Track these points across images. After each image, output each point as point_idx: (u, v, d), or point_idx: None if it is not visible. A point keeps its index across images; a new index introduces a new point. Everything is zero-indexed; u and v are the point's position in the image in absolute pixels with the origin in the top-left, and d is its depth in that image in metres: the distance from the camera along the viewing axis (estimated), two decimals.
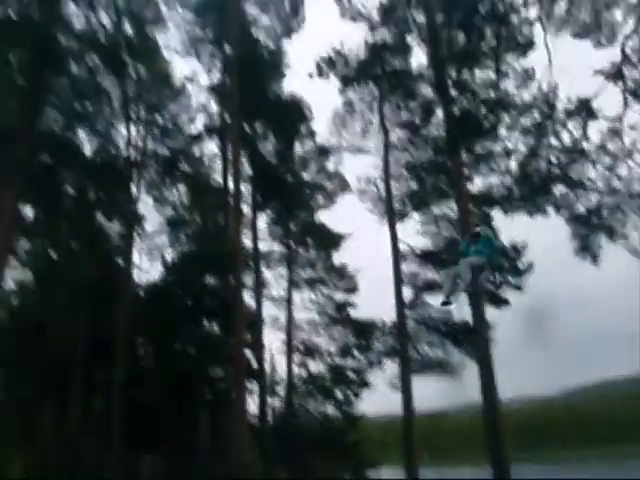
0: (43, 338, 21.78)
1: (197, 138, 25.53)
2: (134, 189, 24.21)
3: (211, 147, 25.93)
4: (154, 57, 24.37)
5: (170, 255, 24.76)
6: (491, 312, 20.04)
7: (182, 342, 23.53)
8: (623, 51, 11.71)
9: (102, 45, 22.27)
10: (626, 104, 11.33)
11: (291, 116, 24.78)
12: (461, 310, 21.46)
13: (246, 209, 24.98)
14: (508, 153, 13.81)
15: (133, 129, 24.31)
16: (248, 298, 23.73)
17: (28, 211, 24.06)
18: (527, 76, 13.77)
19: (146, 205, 24.95)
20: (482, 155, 16.91)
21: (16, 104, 19.10)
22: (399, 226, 22.35)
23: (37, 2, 18.67)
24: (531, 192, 11.50)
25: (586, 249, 11.36)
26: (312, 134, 25.42)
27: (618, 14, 13.44)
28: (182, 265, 23.42)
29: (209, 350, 23.03)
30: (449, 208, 21.99)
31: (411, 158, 22.81)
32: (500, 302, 20.65)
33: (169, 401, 21.76)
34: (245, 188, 24.67)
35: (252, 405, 22.53)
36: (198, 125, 25.66)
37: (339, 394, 24.75)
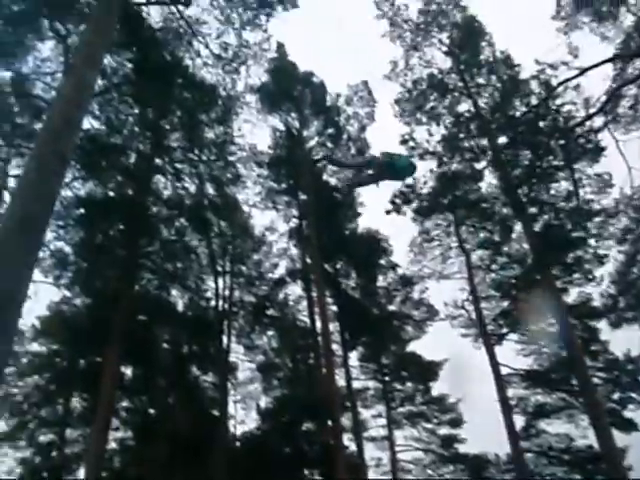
0: None
1: (280, 282, 26.34)
2: (225, 339, 24.80)
3: (296, 290, 26.60)
4: (235, 213, 26.17)
5: (264, 402, 24.56)
6: (621, 436, 18.05)
7: None
8: None
9: (188, 208, 24.34)
10: None
11: (370, 251, 25.29)
12: (585, 435, 19.50)
13: (336, 347, 24.80)
14: (600, 260, 13.20)
15: (220, 281, 25.51)
16: (348, 441, 22.72)
17: (127, 370, 25.03)
18: (604, 181, 13.55)
19: (237, 354, 25.37)
20: (573, 264, 16.27)
21: (116, 273, 20.73)
22: (498, 348, 21.23)
23: (131, 180, 20.91)
24: (637, 301, 10.70)
25: None
26: (393, 265, 25.63)
27: None
28: (277, 411, 23.03)
29: None
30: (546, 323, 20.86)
31: (497, 276, 22.27)
32: (626, 424, 18.59)
33: None
34: (333, 327, 24.69)
35: None
36: (281, 270, 26.65)
37: None
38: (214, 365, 25.18)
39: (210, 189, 26.06)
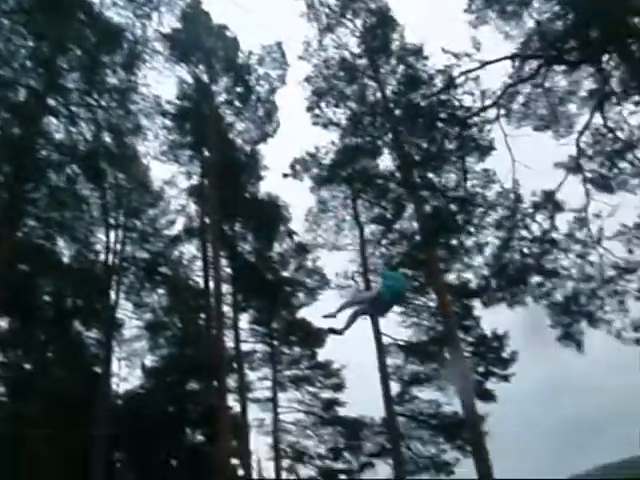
0: (17, 454, 20.57)
1: (176, 240, 25.78)
2: (112, 295, 23.98)
3: (191, 249, 26.14)
4: (133, 164, 25.05)
5: (150, 361, 24.18)
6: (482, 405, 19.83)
7: (164, 453, 22.43)
8: (578, 145, 12.51)
9: (81, 155, 22.96)
10: (587, 194, 11.96)
11: (269, 216, 25.37)
12: (451, 403, 21.23)
13: (227, 309, 24.88)
14: (480, 247, 14.22)
15: (112, 235, 24.50)
16: (232, 402, 23.08)
17: (2, 322, 23.58)
18: (489, 176, 14.46)
19: (125, 311, 24.66)
20: (456, 248, 17.38)
21: None
22: (381, 319, 22.35)
23: (19, 118, 19.34)
24: (508, 283, 11.75)
25: (569, 337, 11.47)
26: (290, 233, 25.94)
27: (573, 107, 14.50)
28: (162, 371, 22.82)
29: (193, 460, 21.94)
30: (428, 299, 22.29)
31: (387, 252, 23.35)
32: (488, 395, 20.51)
33: None
34: (226, 289, 24.69)
35: None
36: (177, 228, 26.05)
37: None
38: (99, 321, 24.37)
39: (107, 137, 24.80)
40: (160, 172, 26.32)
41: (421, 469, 21.35)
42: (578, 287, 11.70)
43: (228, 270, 25.45)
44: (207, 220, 24.48)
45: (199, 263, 25.25)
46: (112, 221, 24.79)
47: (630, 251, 11.59)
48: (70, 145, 23.15)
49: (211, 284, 22.81)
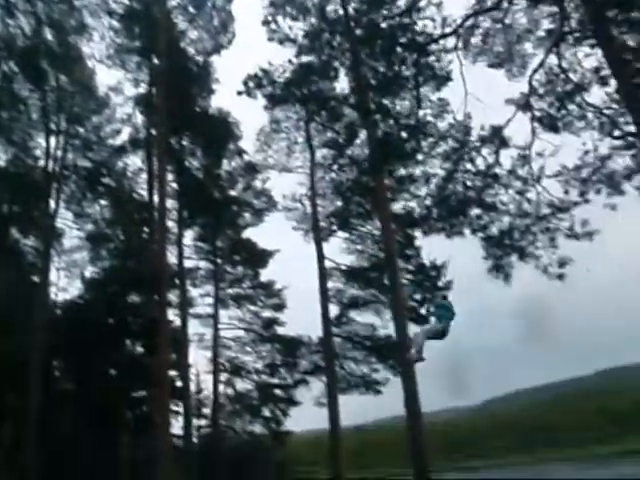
0: None
1: (121, 150, 24.84)
2: (52, 203, 23.16)
3: (136, 161, 25.28)
4: (76, 66, 23.57)
5: (90, 272, 23.86)
6: (415, 328, 20.80)
7: (103, 363, 22.59)
8: (530, 83, 12.57)
9: (20, 51, 21.39)
10: (534, 133, 12.16)
11: (219, 132, 24.67)
12: (387, 326, 22.15)
13: (172, 225, 24.58)
14: (427, 177, 14.36)
15: (53, 140, 23.32)
16: (173, 316, 23.30)
17: None
18: (443, 106, 14.39)
19: (65, 220, 23.96)
20: (404, 178, 17.52)
21: None
22: (325, 244, 22.73)
23: None
24: (448, 214, 12.04)
25: (498, 268, 11.99)
26: (240, 151, 25.42)
27: (529, 47, 14.44)
28: (103, 282, 22.60)
29: (132, 371, 22.24)
30: (373, 226, 22.69)
31: (337, 177, 23.34)
32: (422, 319, 21.46)
33: (89, 427, 20.76)
34: (171, 204, 24.28)
35: (177, 426, 22.03)
36: (123, 138, 25.02)
37: (266, 412, 24.59)
38: (37, 229, 23.63)
39: (49, 34, 23.07)
40: (106, 77, 24.95)
41: (352, 386, 22.50)
42: (514, 222, 12.14)
43: (174, 185, 24.94)
44: (154, 132, 23.59)
45: (144, 176, 24.58)
46: (53, 126, 23.50)
47: (566, 191, 12.02)
48: (7, 39, 21.50)
49: (155, 198, 22.33)
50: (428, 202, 13.00)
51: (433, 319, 8.31)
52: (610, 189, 11.79)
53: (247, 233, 26.12)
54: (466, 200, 12.12)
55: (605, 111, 12.87)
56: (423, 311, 20.94)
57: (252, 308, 25.29)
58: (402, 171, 17.05)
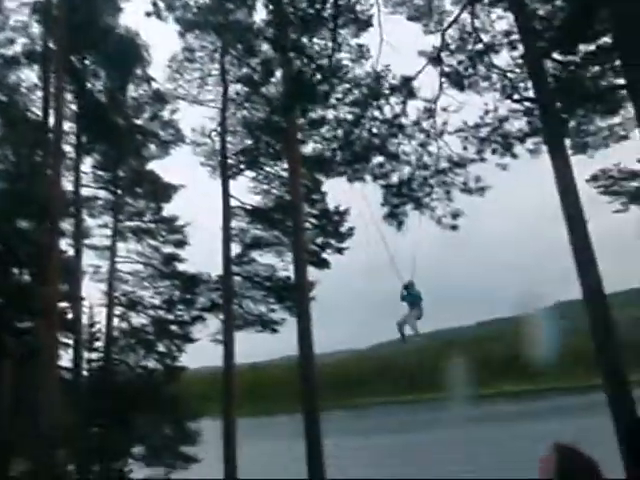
0: None
1: (13, 62, 22.66)
2: None
3: (31, 76, 23.18)
4: None
5: None
6: (314, 271, 21.37)
7: None
8: (443, 38, 12.79)
9: None
10: (441, 87, 12.47)
11: (126, 54, 23.12)
12: (287, 268, 22.51)
13: (69, 150, 23.10)
14: (339, 122, 14.37)
15: None
16: (66, 246, 22.25)
17: None
18: (362, 52, 14.27)
19: None
20: (315, 121, 17.44)
21: None
22: (232, 182, 22.38)
23: None
24: (352, 159, 12.21)
25: (394, 216, 12.43)
26: (148, 78, 24.03)
27: (448, 2, 14.58)
28: None
29: (18, 300, 21.14)
30: (281, 168, 22.61)
31: (249, 115, 22.82)
32: (322, 263, 22.05)
33: None
34: (69, 127, 22.72)
35: (67, 359, 21.46)
36: (16, 49, 22.78)
37: (161, 348, 24.44)
38: None
39: None
40: None
41: (249, 324, 22.86)
42: (413, 173, 12.55)
43: (73, 107, 23.31)
44: (52, 46, 21.68)
45: (40, 93, 22.69)
46: None
47: (465, 148, 12.54)
48: None
49: (52, 119, 20.77)
50: (334, 145, 13.09)
51: (407, 303, 10.33)
52: (504, 149, 12.44)
53: (151, 165, 25.08)
54: (370, 147, 12.34)
55: (509, 74, 13.40)
56: (324, 255, 21.49)
57: (152, 243, 24.60)
58: (314, 114, 16.92)
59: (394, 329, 10.45)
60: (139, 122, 24.59)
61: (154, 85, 24.03)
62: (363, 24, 14.07)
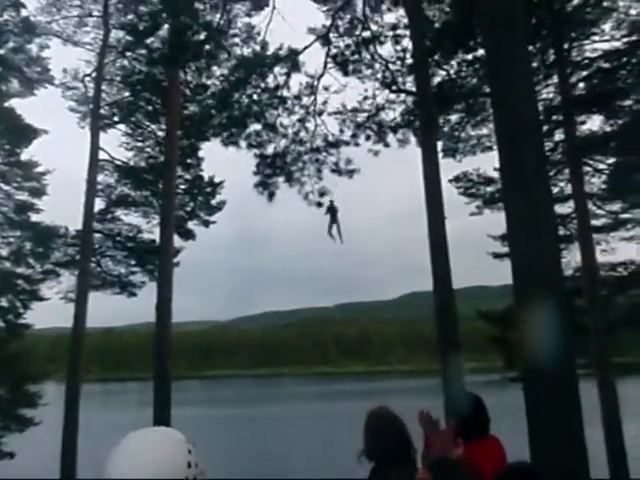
0: None
1: None
2: None
3: None
4: None
5: None
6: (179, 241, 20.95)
7: None
8: (334, 18, 13.01)
9: None
10: (325, 66, 12.70)
11: None
12: (152, 231, 21.81)
13: None
14: (221, 89, 14.09)
15: None
16: None
17: None
18: (251, 32, 14.04)
19: None
20: (198, 86, 17.01)
21: None
22: (102, 134, 21.03)
23: None
24: (229, 122, 12.05)
25: (264, 186, 12.53)
26: (17, 3, 21.65)
27: None
28: None
29: None
30: (158, 127, 21.70)
31: (129, 66, 21.55)
32: (187, 234, 21.69)
33: None
34: None
35: None
36: None
37: (5, 303, 22.49)
38: None
39: None
40: None
41: (106, 285, 21.83)
42: (289, 147, 12.71)
43: None
44: None
45: None
46: None
47: (341, 130, 12.95)
48: None
49: None
50: (212, 108, 12.86)
51: None
52: (377, 137, 13.02)
53: (11, 102, 22.71)
54: (249, 113, 12.28)
55: (391, 66, 13.99)
56: (190, 226, 21.25)
57: (4, 188, 22.40)
58: (197, 79, 16.46)
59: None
60: (1, 52, 22.14)
61: (24, 13, 21.73)
62: (258, 4, 13.86)
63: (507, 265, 7.08)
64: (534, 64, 16.45)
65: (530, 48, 13.30)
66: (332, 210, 11.34)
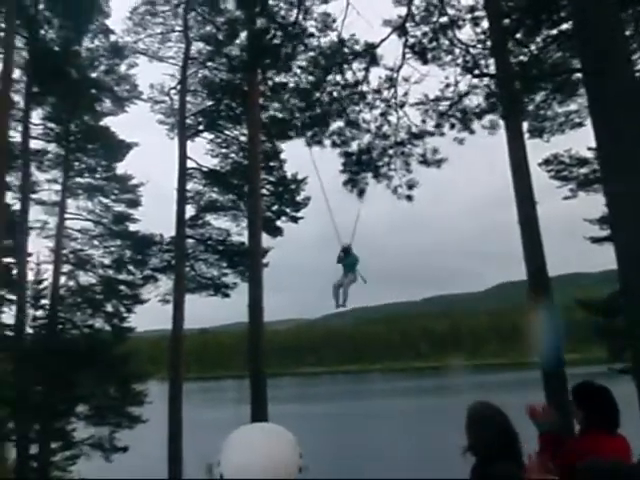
0: None
1: None
2: None
3: None
4: None
5: None
6: (268, 239, 21.40)
7: None
8: (409, 8, 12.75)
9: None
10: (404, 57, 12.47)
11: (83, 2, 22.14)
12: (241, 233, 22.46)
13: (18, 99, 22.09)
14: (299, 87, 14.22)
15: None
16: (13, 200, 21.49)
17: None
18: (326, 20, 14.04)
19: None
20: (277, 86, 17.25)
21: None
22: (189, 143, 21.95)
23: None
24: (311, 122, 12.15)
25: (353, 183, 12.51)
26: (107, 29, 23.11)
27: None
28: None
29: None
30: (240, 132, 22.33)
31: (210, 75, 22.33)
32: (276, 231, 22.10)
33: None
34: (18, 75, 21.70)
35: (9, 316, 20.90)
36: None
37: (110, 308, 24.06)
38: None
39: None
40: None
41: (201, 287, 22.77)
42: (373, 142, 12.61)
43: (24, 54, 22.21)
44: None
45: None
46: None
47: (424, 120, 12.65)
48: None
49: (0, 64, 19.75)
50: (294, 109, 12.99)
51: (345, 268, 10.50)
52: (461, 124, 12.62)
53: (105, 121, 24.31)
54: (330, 111, 12.31)
55: (471, 50, 13.52)
56: (278, 223, 21.59)
57: (104, 201, 23.99)
58: (276, 78, 16.70)
59: (343, 301, 10.69)
60: (94, 75, 23.68)
61: (112, 38, 23.16)
62: None
63: (607, 250, 6.68)
64: (627, 32, 15.30)
65: (622, 15, 12.42)
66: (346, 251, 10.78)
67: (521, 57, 15.81)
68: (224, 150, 22.83)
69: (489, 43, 14.10)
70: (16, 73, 20.81)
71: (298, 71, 14.16)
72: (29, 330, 22.50)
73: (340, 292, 10.58)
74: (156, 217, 25.29)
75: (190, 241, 22.27)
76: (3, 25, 19.94)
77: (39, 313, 22.95)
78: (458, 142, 12.58)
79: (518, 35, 15.41)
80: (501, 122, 12.80)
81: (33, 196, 22.96)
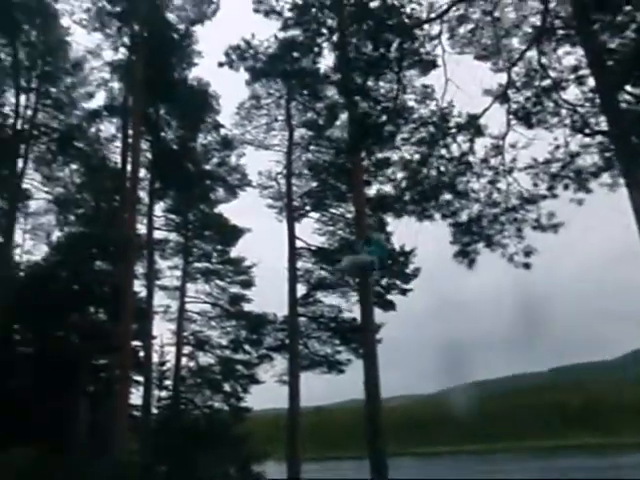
0: None
1: (95, 115, 24.35)
2: (20, 163, 22.62)
3: (110, 128, 24.83)
4: (52, 22, 22.92)
5: (57, 237, 23.46)
6: (379, 313, 21.14)
7: (65, 329, 22.28)
8: (509, 75, 12.73)
9: None
10: (509, 124, 12.34)
11: (197, 104, 24.37)
12: (351, 309, 22.42)
13: (143, 195, 24.31)
14: (404, 162, 14.44)
15: (23, 98, 22.73)
16: (139, 287, 23.14)
17: None
18: (426, 92, 14.40)
19: (33, 182, 23.48)
20: (381, 161, 17.60)
21: None
22: (297, 224, 22.77)
23: None
24: (420, 197, 12.20)
25: (464, 254, 12.23)
26: (217, 125, 25.15)
27: (515, 41, 14.55)
28: (69, 246, 22.21)
29: (94, 338, 22.00)
30: (346, 209, 22.81)
31: (313, 158, 23.35)
32: (388, 305, 21.82)
33: (46, 391, 20.49)
34: (143, 174, 24.00)
35: (137, 397, 21.98)
36: (97, 102, 24.53)
37: (228, 388, 24.66)
38: (3, 189, 23.06)
39: None
40: (84, 40, 24.25)
41: (315, 365, 22.76)
42: (483, 210, 12.36)
43: (148, 155, 24.62)
44: (130, 99, 23.19)
45: (118, 143, 24.21)
46: (24, 83, 22.91)
47: (535, 184, 12.26)
48: None
49: (128, 167, 22.01)
50: (402, 185, 13.12)
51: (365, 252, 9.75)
52: (577, 185, 12.09)
53: (219, 208, 26.03)
54: (439, 185, 12.30)
55: (579, 109, 13.12)
56: (389, 297, 21.26)
57: (220, 283, 25.26)
58: (379, 155, 17.10)
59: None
60: (208, 167, 25.62)
61: (222, 131, 25.12)
62: (428, 65, 14.21)
63: None
64: None
65: None
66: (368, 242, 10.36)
67: (634, 109, 15.09)
68: (331, 228, 23.41)
69: (597, 100, 13.62)
70: (141, 172, 23.02)
71: (400, 142, 14.39)
72: (154, 410, 23.48)
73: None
74: (269, 297, 26.07)
75: (302, 319, 22.57)
76: (131, 131, 22.30)
77: (163, 394, 23.99)
78: (577, 203, 12.03)
79: (628, 87, 14.78)
80: (621, 179, 12.13)
81: (157, 282, 24.67)
